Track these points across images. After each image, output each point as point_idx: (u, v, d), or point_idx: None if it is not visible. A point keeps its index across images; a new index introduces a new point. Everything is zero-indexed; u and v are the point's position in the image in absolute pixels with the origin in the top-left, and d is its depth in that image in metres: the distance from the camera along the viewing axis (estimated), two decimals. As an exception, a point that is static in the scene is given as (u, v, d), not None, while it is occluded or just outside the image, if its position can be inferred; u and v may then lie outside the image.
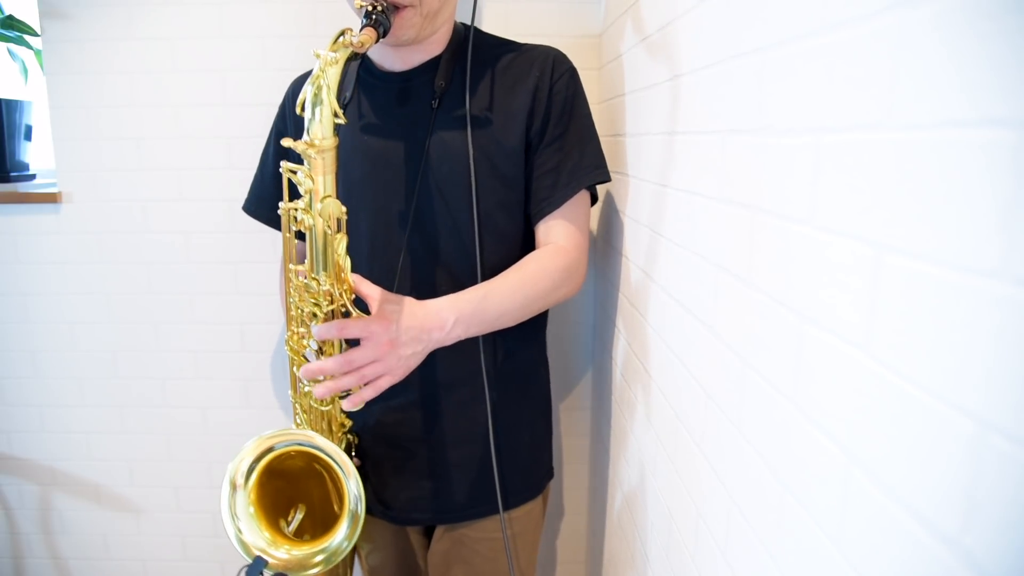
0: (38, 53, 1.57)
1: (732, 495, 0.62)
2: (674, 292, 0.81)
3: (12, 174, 1.51)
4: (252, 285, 1.42)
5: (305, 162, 0.76)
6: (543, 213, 0.97)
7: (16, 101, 1.51)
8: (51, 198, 1.39)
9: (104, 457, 1.51)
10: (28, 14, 1.49)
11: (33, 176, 1.59)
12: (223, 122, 1.36)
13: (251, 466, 0.85)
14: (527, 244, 1.00)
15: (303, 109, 0.75)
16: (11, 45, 1.57)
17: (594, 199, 1.04)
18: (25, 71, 1.64)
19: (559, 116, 0.96)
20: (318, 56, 0.74)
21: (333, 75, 0.74)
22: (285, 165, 0.77)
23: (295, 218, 0.78)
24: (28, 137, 1.56)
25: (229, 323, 1.44)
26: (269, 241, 1.39)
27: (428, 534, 1.10)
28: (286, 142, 0.76)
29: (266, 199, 1.11)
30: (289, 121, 1.06)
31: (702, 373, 0.71)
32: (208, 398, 1.47)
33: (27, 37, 1.53)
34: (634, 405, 1.02)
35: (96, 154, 1.38)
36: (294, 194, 0.79)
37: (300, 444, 0.85)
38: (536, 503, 1.09)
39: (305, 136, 0.75)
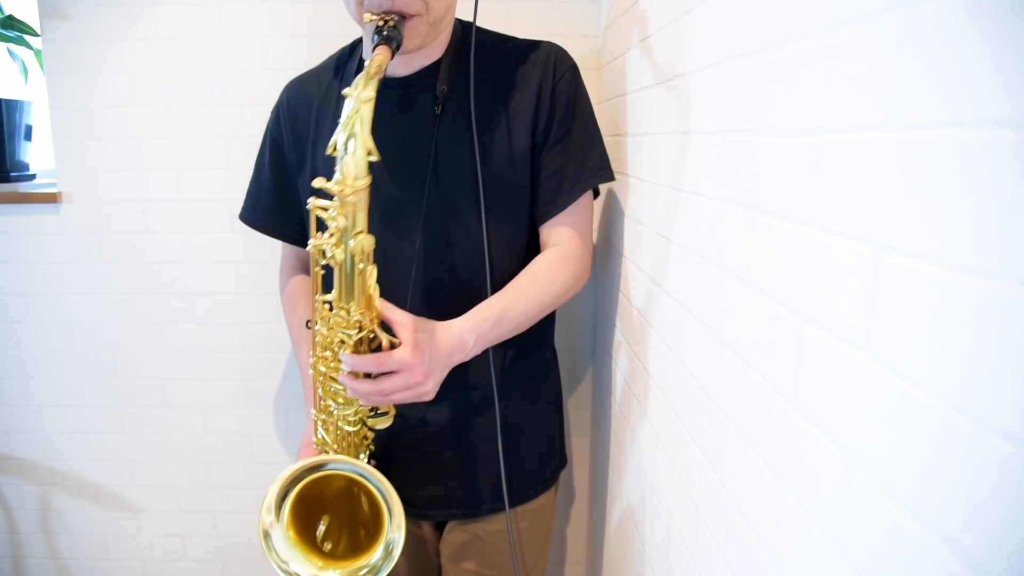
0: (38, 53, 1.57)
1: (732, 495, 0.62)
2: (674, 292, 0.81)
3: (12, 174, 1.51)
4: (252, 285, 1.42)
5: (336, 199, 0.73)
6: (548, 216, 0.97)
7: (16, 101, 1.51)
8: (51, 198, 1.39)
9: (104, 457, 1.51)
10: (28, 14, 1.49)
11: (33, 176, 1.59)
12: (223, 122, 1.36)
13: (283, 493, 0.85)
14: (531, 244, 1.00)
15: (335, 150, 0.72)
16: (11, 45, 1.57)
17: (596, 193, 1.04)
18: (25, 71, 1.64)
19: (562, 117, 0.95)
20: (349, 96, 0.71)
21: (367, 112, 0.71)
22: (314, 203, 0.75)
23: (323, 252, 0.76)
24: (28, 137, 1.56)
25: (229, 323, 1.44)
26: (269, 241, 1.38)
27: (440, 526, 1.10)
28: (318, 183, 0.73)
29: (264, 209, 1.09)
30: (284, 127, 1.04)
31: (702, 373, 0.71)
32: (208, 398, 1.47)
33: (27, 37, 1.53)
34: (634, 405, 1.02)
35: (96, 154, 1.38)
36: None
37: (351, 471, 0.86)
38: (549, 494, 1.10)
39: (337, 175, 0.73)
